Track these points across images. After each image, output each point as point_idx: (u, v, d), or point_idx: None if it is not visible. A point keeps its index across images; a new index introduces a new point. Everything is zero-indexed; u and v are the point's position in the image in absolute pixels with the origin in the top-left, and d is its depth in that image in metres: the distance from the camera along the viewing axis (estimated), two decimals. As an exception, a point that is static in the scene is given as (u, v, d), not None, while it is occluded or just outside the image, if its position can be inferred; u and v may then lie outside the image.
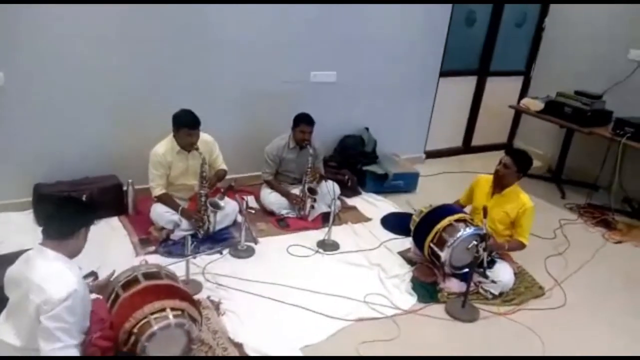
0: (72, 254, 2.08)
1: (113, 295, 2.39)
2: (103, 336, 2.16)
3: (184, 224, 3.56)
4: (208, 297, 3.01)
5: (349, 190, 4.59)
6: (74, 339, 1.96)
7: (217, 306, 2.96)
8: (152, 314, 2.24)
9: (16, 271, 2.06)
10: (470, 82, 5.98)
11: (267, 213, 4.12)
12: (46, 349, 1.89)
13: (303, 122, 3.98)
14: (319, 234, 3.87)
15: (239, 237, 3.58)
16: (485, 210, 3.11)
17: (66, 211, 2.11)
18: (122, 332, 2.22)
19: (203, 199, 3.54)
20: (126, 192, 3.84)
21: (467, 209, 3.74)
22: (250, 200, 4.20)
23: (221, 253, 3.51)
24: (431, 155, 5.88)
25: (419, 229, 3.51)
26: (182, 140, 3.50)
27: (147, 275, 2.46)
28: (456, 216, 3.41)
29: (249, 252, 3.56)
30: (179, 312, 2.30)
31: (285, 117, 4.12)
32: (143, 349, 2.18)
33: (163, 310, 2.27)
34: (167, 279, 2.48)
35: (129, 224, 3.74)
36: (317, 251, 3.69)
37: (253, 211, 3.97)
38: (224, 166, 3.83)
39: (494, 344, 2.94)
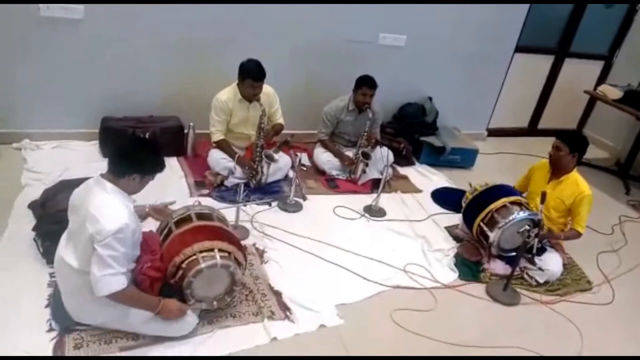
0: (128, 192, 2.18)
1: (166, 230, 2.52)
2: (153, 267, 2.28)
3: (238, 172, 3.65)
4: (254, 245, 3.11)
5: (403, 159, 4.54)
6: (123, 267, 2.07)
7: (261, 254, 3.06)
8: (201, 252, 2.35)
9: (78, 197, 2.19)
10: (547, 60, 5.67)
11: (318, 172, 4.16)
12: (97, 274, 2.02)
13: (365, 84, 3.92)
14: (367, 199, 3.87)
15: (289, 191, 3.65)
16: (544, 196, 2.99)
17: (126, 152, 2.17)
18: (171, 265, 2.35)
19: (259, 149, 3.60)
20: (187, 134, 3.97)
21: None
22: (304, 157, 4.22)
23: (270, 205, 3.59)
24: (493, 133, 5.69)
25: (471, 206, 3.44)
26: (245, 90, 3.55)
27: (200, 216, 2.57)
28: (512, 198, 3.31)
29: (297, 207, 3.62)
30: (226, 254, 2.40)
31: (348, 78, 4.06)
32: (189, 283, 2.30)
33: (211, 250, 2.37)
34: (218, 222, 2.58)
35: (186, 166, 3.88)
36: (363, 215, 3.71)
37: (305, 168, 4.03)
38: (281, 120, 3.86)
39: (530, 331, 2.89)
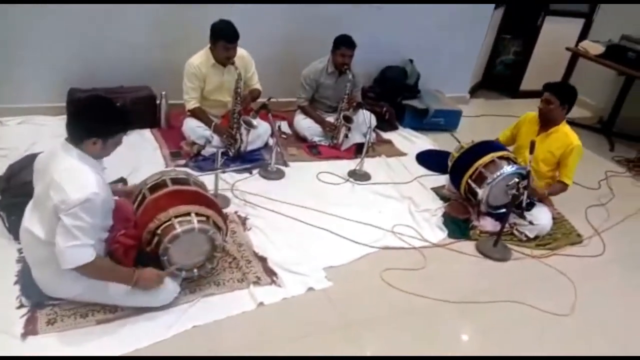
0: (96, 157, 2.01)
1: (140, 197, 2.38)
2: (127, 234, 2.15)
3: (216, 140, 3.49)
4: (235, 212, 2.99)
5: (385, 123, 4.42)
6: (91, 239, 1.91)
7: (243, 221, 2.93)
8: (177, 217, 2.22)
9: (42, 162, 2.03)
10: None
11: (299, 139, 4.02)
12: (62, 245, 1.86)
13: (344, 44, 3.77)
14: (351, 164, 3.75)
15: (270, 159, 3.51)
16: (532, 145, 2.90)
17: (80, 115, 1.99)
18: (146, 231, 2.21)
19: (236, 116, 3.44)
20: (159, 104, 3.79)
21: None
22: (283, 125, 4.10)
23: (251, 173, 3.45)
24: (476, 95, 5.59)
25: (458, 164, 3.35)
26: (218, 54, 3.37)
27: (175, 181, 2.43)
28: (499, 153, 3.23)
29: (279, 174, 3.49)
30: (204, 219, 2.27)
31: (326, 41, 3.90)
32: (166, 249, 2.17)
33: (188, 214, 2.24)
34: (195, 187, 2.44)
35: (160, 137, 3.71)
36: (347, 180, 3.59)
37: (285, 136, 3.89)
38: (258, 86, 3.70)
39: (524, 285, 2.83)
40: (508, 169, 3.10)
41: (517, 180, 2.97)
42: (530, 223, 3.12)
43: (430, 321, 2.48)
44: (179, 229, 2.17)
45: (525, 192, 2.95)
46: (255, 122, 3.45)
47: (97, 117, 1.96)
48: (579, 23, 5.85)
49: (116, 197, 2.24)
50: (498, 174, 3.10)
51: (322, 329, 2.32)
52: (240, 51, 3.48)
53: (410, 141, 4.36)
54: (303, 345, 2.21)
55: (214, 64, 3.43)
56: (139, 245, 2.21)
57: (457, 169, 3.35)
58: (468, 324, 2.52)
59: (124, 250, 2.11)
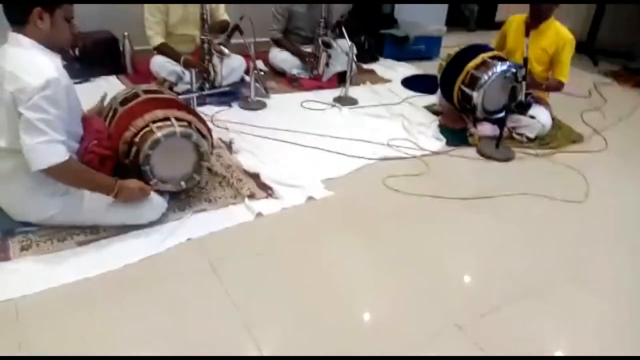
0: (49, 44, 1.73)
1: (111, 112, 2.13)
2: (100, 145, 1.90)
3: (187, 76, 3.23)
4: (219, 139, 2.75)
5: (366, 55, 4.23)
6: (60, 134, 1.67)
7: (229, 145, 2.70)
8: (154, 122, 1.98)
9: None
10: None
11: (277, 74, 3.79)
12: (28, 143, 1.62)
13: (314, -34, 3.55)
14: (335, 92, 3.55)
15: (249, 92, 3.28)
16: (528, 28, 2.72)
17: None
18: (121, 142, 1.98)
19: (206, 45, 3.19)
20: (123, 47, 3.51)
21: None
22: (259, 64, 3.85)
23: (230, 105, 3.22)
24: (453, 30, 5.42)
25: (447, 72, 3.16)
26: (179, -20, 3.11)
27: (148, 91, 2.19)
28: (490, 53, 3.06)
29: (260, 105, 3.27)
30: (185, 123, 2.04)
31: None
32: (147, 157, 1.94)
33: (167, 119, 2.01)
34: (170, 95, 2.20)
35: (128, 83, 3.43)
36: (334, 105, 3.39)
37: (262, 72, 3.66)
38: (226, 17, 3.44)
39: (533, 179, 2.68)
40: (501, 66, 2.93)
41: (514, 70, 2.80)
42: (531, 117, 2.97)
43: (441, 217, 2.30)
44: (158, 134, 1.93)
45: (524, 84, 2.78)
46: (226, 50, 3.20)
47: None
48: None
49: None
50: (490, 73, 2.93)
51: (327, 232, 2.12)
52: (202, -22, 3.22)
53: (393, 69, 4.18)
54: (309, 247, 2.01)
55: (176, -7, 3.17)
56: (115, 157, 1.96)
57: (447, 78, 3.17)
58: (482, 217, 2.33)
59: (99, 160, 1.87)
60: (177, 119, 2.02)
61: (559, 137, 3.19)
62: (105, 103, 2.21)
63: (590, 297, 1.87)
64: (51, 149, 1.64)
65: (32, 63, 1.65)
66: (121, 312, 1.62)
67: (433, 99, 3.56)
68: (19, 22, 1.68)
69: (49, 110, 1.63)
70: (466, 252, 2.10)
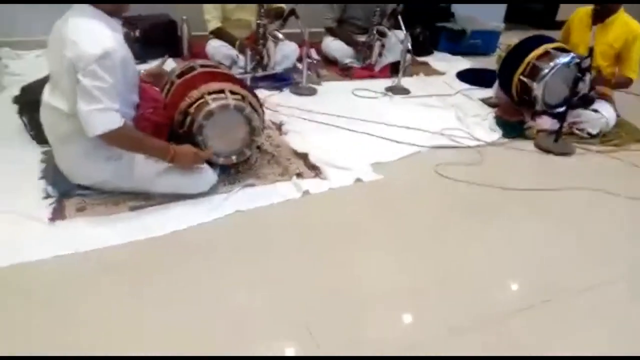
0: (112, 11, 1.78)
1: (168, 85, 2.17)
2: (156, 113, 1.94)
3: (242, 60, 3.26)
4: (269, 120, 2.75)
5: (420, 47, 4.13)
6: (115, 102, 1.70)
7: (279, 127, 2.71)
8: (210, 94, 2.00)
9: (56, 29, 1.80)
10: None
11: (329, 63, 3.78)
12: (84, 109, 1.66)
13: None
14: (387, 82, 3.50)
15: (300, 78, 3.28)
16: (594, 19, 2.57)
17: None
18: (177, 112, 2.01)
19: (261, 30, 3.22)
20: (181, 30, 3.58)
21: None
22: (312, 53, 3.85)
23: (281, 90, 3.23)
24: (512, 27, 5.24)
25: (506, 63, 3.05)
26: (238, -35, 3.16)
27: (205, 65, 2.22)
28: (553, 44, 2.92)
29: (311, 91, 3.26)
30: (239, 97, 2.05)
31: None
32: (200, 127, 1.96)
33: (221, 91, 2.02)
34: (226, 70, 2.22)
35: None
36: (385, 94, 3.34)
37: (314, 60, 3.64)
38: (283, 5, 3.46)
39: (594, 175, 2.54)
40: (564, 58, 2.80)
41: (578, 61, 2.66)
42: (595, 111, 2.82)
43: (497, 208, 2.21)
44: (213, 105, 1.95)
45: (589, 76, 2.65)
46: (281, 35, 3.21)
47: None
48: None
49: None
50: (553, 64, 2.80)
51: (373, 216, 2.07)
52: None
53: (449, 63, 4.09)
54: (354, 230, 1.97)
55: (234, -22, 3.22)
56: (170, 125, 2.00)
57: (506, 69, 3.06)
58: (540, 210, 2.22)
59: (154, 127, 1.90)
60: (232, 92, 2.03)
61: (622, 134, 3.01)
62: (165, 67, 2.25)
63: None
64: (105, 116, 1.68)
65: (92, 32, 1.69)
66: (169, 275, 1.64)
67: (489, 92, 3.44)
68: None
69: (105, 78, 1.66)
70: (516, 245, 1.99)
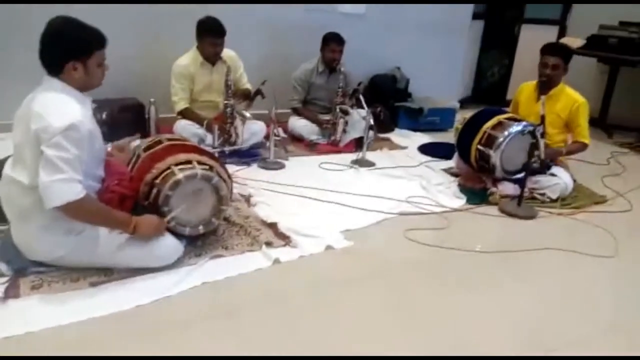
0: (82, 87, 1.80)
1: (134, 158, 2.16)
2: (121, 184, 1.91)
3: (209, 139, 3.31)
4: (238, 193, 2.74)
5: (381, 125, 4.29)
6: (78, 174, 1.66)
7: (247, 199, 2.69)
8: (177, 164, 2.00)
9: (23, 106, 1.80)
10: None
11: (295, 139, 3.87)
12: (45, 180, 1.62)
13: (333, 40, 3.75)
14: (352, 156, 3.59)
15: (268, 154, 3.33)
16: (539, 92, 2.77)
17: (47, 41, 1.75)
18: (143, 184, 1.99)
19: (229, 109, 3.30)
20: (148, 112, 3.63)
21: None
22: (279, 131, 3.94)
23: (249, 165, 3.26)
24: (465, 107, 5.57)
25: (464, 134, 3.20)
26: (206, 50, 3.30)
27: (172, 139, 2.24)
28: (505, 115, 3.11)
29: (279, 165, 3.30)
30: (207, 167, 2.05)
31: (310, 49, 3.88)
32: (166, 198, 1.93)
33: (189, 162, 2.03)
34: (193, 143, 2.24)
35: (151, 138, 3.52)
36: (351, 167, 3.41)
37: (279, 138, 3.73)
38: (248, 86, 3.59)
39: (558, 236, 2.60)
40: (517, 127, 2.96)
41: (531, 128, 2.82)
42: (553, 175, 2.94)
43: (465, 270, 2.21)
44: (180, 175, 1.94)
45: (543, 141, 2.79)
46: (248, 113, 3.30)
47: (69, 36, 1.74)
48: (554, 30, 6.00)
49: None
50: (507, 133, 2.95)
51: (347, 281, 2.03)
52: (228, 51, 3.41)
53: (409, 138, 4.24)
54: (327, 295, 1.92)
55: (202, 63, 3.34)
56: (135, 198, 1.96)
57: (464, 139, 3.19)
58: (510, 271, 2.24)
59: (119, 198, 1.86)
60: (199, 163, 2.04)
61: (581, 197, 3.14)
62: (134, 144, 2.25)
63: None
64: (66, 186, 1.64)
65: (59, 106, 1.70)
66: (132, 353, 1.53)
67: (450, 163, 3.56)
68: (54, 72, 1.76)
69: (69, 149, 1.64)
70: (490, 304, 1.98)
